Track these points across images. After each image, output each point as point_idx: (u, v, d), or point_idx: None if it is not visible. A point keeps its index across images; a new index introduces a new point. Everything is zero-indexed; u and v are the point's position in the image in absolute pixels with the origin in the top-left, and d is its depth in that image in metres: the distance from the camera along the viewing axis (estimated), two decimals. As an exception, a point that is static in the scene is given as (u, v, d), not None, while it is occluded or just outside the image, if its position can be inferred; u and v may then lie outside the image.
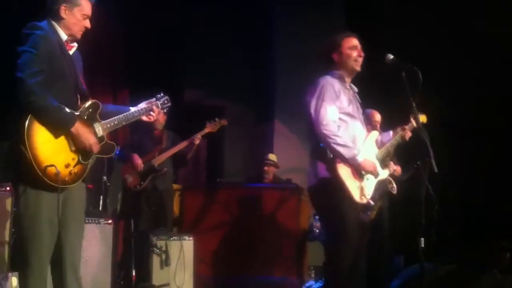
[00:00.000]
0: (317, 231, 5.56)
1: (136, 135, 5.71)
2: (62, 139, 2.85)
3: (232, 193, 5.93)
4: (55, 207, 2.82)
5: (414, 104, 3.33)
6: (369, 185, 3.49)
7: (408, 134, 4.13)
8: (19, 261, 2.94)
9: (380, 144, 3.84)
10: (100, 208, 5.23)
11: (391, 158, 4.54)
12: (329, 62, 3.61)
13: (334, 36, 3.67)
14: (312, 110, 3.42)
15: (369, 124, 4.69)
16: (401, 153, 4.63)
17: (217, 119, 5.65)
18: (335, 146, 3.34)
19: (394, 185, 4.72)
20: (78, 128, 2.87)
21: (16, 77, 2.76)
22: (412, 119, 3.99)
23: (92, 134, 2.96)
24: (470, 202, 6.50)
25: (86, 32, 3.07)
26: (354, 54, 3.56)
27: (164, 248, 4.82)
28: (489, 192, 6.38)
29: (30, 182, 2.81)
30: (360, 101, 3.69)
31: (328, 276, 3.59)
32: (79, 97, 3.02)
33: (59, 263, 2.92)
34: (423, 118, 4.23)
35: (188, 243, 5.07)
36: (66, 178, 2.85)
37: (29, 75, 2.75)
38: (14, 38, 2.94)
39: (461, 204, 6.49)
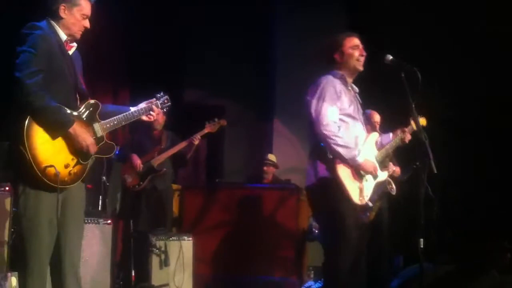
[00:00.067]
0: (317, 231, 5.55)
1: (136, 135, 5.71)
2: (61, 140, 2.85)
3: (232, 193, 5.94)
4: (55, 208, 2.82)
5: (414, 107, 3.32)
6: (368, 186, 3.50)
7: (408, 137, 4.13)
8: (19, 261, 2.94)
9: (379, 146, 3.85)
10: (100, 208, 5.23)
11: (390, 159, 4.54)
12: (331, 62, 3.60)
13: (335, 36, 3.67)
14: (313, 110, 3.42)
15: (369, 124, 4.69)
16: (400, 154, 4.63)
17: (216, 120, 5.65)
18: (335, 146, 3.34)
19: (394, 185, 4.72)
20: (76, 129, 2.87)
21: (15, 77, 2.76)
22: (412, 122, 3.99)
23: (90, 135, 2.95)
24: (470, 202, 6.50)
25: (86, 32, 3.07)
26: (356, 53, 3.56)
27: (163, 248, 4.83)
28: (489, 192, 6.37)
29: (29, 182, 2.81)
30: (360, 101, 3.69)
31: (327, 276, 3.58)
32: (78, 97, 3.02)
33: (59, 263, 2.92)
34: (423, 121, 4.23)
35: (187, 243, 5.08)
36: (66, 179, 2.85)
37: (28, 74, 2.75)
38: (14, 38, 2.94)
39: (461, 204, 6.49)
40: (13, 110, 2.79)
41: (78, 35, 3.04)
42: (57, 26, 2.99)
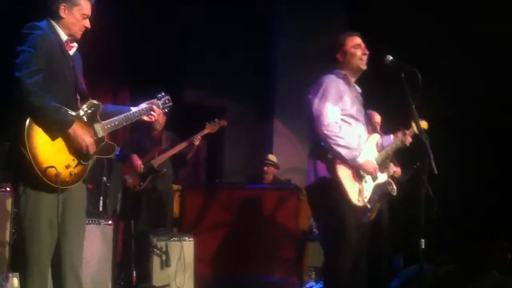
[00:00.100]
0: (317, 231, 5.56)
1: (136, 135, 5.71)
2: (62, 140, 2.84)
3: (232, 194, 5.93)
4: (55, 208, 2.82)
5: (415, 109, 3.32)
6: (367, 187, 3.49)
7: (409, 140, 4.11)
8: (20, 261, 2.93)
9: (380, 148, 3.82)
10: (100, 209, 5.23)
11: (391, 160, 4.54)
12: (333, 62, 3.59)
13: (336, 35, 3.66)
14: (314, 110, 3.41)
15: (369, 125, 4.68)
16: (401, 155, 4.62)
17: (216, 120, 5.64)
18: (336, 147, 3.34)
19: (394, 186, 4.71)
20: (75, 129, 2.86)
21: (14, 76, 2.76)
22: (413, 125, 3.97)
23: (89, 135, 2.95)
24: (470, 202, 6.50)
25: (86, 32, 3.06)
26: (359, 52, 3.55)
27: (164, 249, 4.82)
28: (489, 192, 6.37)
29: (30, 182, 2.81)
30: (363, 101, 3.68)
31: (328, 277, 3.57)
32: (79, 97, 3.01)
33: (59, 264, 2.92)
34: (424, 124, 4.22)
35: (188, 244, 5.07)
36: (67, 179, 2.85)
37: (27, 74, 2.75)
38: (14, 38, 2.94)
39: (461, 204, 6.49)
40: (13, 110, 2.79)
41: (78, 35, 3.04)
42: (58, 26, 2.99)
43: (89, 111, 3.01)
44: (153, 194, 5.45)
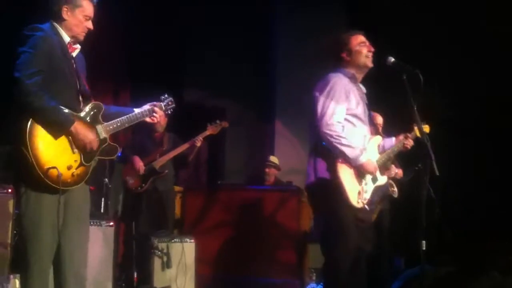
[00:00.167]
0: (314, 230, 5.56)
1: (137, 137, 5.70)
2: (63, 141, 2.85)
3: (233, 195, 5.94)
4: (57, 209, 2.82)
5: (416, 112, 3.31)
6: (367, 189, 3.49)
7: (410, 143, 4.08)
8: (20, 262, 2.94)
9: (381, 150, 3.82)
10: (102, 210, 5.23)
11: (392, 162, 4.53)
12: (338, 61, 3.58)
13: (339, 35, 3.66)
14: (319, 108, 3.40)
15: (371, 126, 4.67)
16: (402, 156, 4.62)
17: (218, 121, 5.63)
18: (339, 146, 3.33)
19: (395, 188, 4.71)
20: (77, 127, 2.87)
21: (14, 77, 2.76)
22: (415, 129, 3.96)
23: (91, 132, 2.95)
24: (470, 202, 6.50)
25: (88, 33, 3.07)
26: (365, 50, 3.54)
27: (165, 250, 4.83)
28: (489, 192, 6.37)
29: (31, 184, 2.81)
30: (367, 102, 3.67)
31: (328, 277, 3.56)
32: (81, 99, 3.01)
33: (60, 265, 2.92)
34: (426, 128, 4.21)
35: (189, 246, 5.07)
36: (68, 180, 2.85)
37: (27, 75, 2.75)
38: (14, 38, 2.94)
39: (461, 205, 6.48)
40: (14, 110, 2.79)
41: (81, 37, 3.04)
42: (60, 28, 2.99)
43: (91, 112, 3.01)
44: (154, 195, 5.44)
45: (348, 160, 3.36)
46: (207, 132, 5.59)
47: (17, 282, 3.35)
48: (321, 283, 5.08)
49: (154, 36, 7.12)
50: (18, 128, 2.75)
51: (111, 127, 3.06)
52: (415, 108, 3.32)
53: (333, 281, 3.45)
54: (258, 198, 5.84)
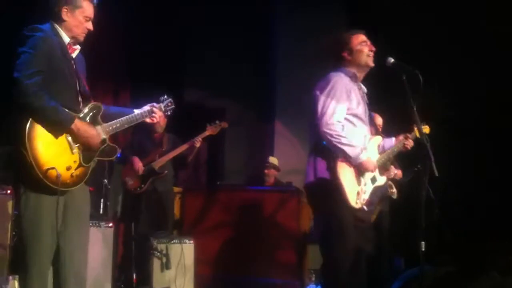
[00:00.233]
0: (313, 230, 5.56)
1: (136, 137, 5.70)
2: (63, 142, 2.85)
3: (233, 196, 5.93)
4: (56, 210, 2.81)
5: (416, 112, 3.31)
6: (366, 190, 3.48)
7: (410, 143, 4.08)
8: (20, 263, 2.93)
9: (381, 150, 3.82)
10: (101, 211, 5.23)
11: (392, 163, 4.52)
12: (339, 60, 3.57)
13: (341, 34, 3.65)
14: (320, 107, 3.40)
15: (372, 126, 4.67)
16: (402, 157, 4.62)
17: (217, 122, 5.63)
18: (339, 145, 3.33)
19: (395, 189, 4.71)
20: (77, 124, 2.87)
21: (14, 77, 2.76)
22: (415, 129, 3.96)
23: (92, 128, 2.95)
24: (470, 203, 6.50)
25: (88, 33, 3.07)
26: (366, 49, 3.54)
27: (164, 251, 4.83)
28: (489, 192, 6.36)
29: (31, 184, 2.81)
30: (368, 101, 3.66)
31: (327, 277, 3.55)
32: (81, 99, 3.01)
33: (59, 265, 2.92)
34: (426, 129, 4.21)
35: (188, 247, 5.07)
36: (68, 181, 2.85)
37: (27, 75, 2.75)
38: (14, 38, 2.94)
39: (461, 205, 6.48)
40: (13, 111, 2.79)
41: (81, 38, 3.04)
42: (60, 29, 2.99)
43: (90, 113, 3.02)
44: (153, 196, 5.44)
45: (348, 159, 3.36)
46: (207, 133, 5.59)
47: (16, 283, 3.34)
48: (320, 284, 5.09)
49: (154, 36, 7.12)
50: (17, 129, 2.75)
51: (110, 128, 3.06)
52: (415, 109, 3.31)
53: (332, 281, 3.45)
54: (258, 199, 5.84)
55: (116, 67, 6.92)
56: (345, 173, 3.37)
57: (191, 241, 5.12)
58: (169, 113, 3.41)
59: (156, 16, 7.15)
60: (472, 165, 6.53)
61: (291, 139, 7.42)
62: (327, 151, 3.39)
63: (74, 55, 3.04)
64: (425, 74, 3.14)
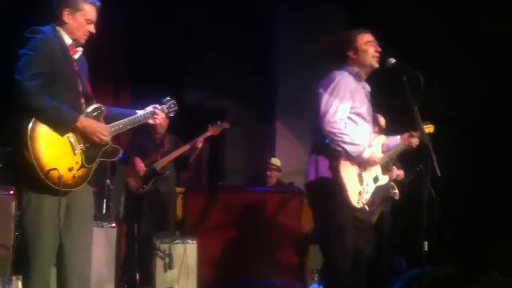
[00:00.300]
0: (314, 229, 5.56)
1: (138, 138, 5.70)
2: (65, 142, 2.85)
3: (234, 196, 5.94)
4: (58, 210, 2.82)
5: (417, 113, 3.31)
6: (368, 190, 3.48)
7: (416, 142, 4.06)
8: (22, 263, 2.94)
9: (386, 149, 3.80)
10: (103, 212, 5.24)
11: (394, 163, 4.53)
12: (343, 59, 3.56)
13: (346, 32, 3.64)
14: (323, 105, 3.38)
15: (375, 126, 4.67)
16: (403, 157, 4.62)
17: (219, 122, 5.64)
18: (342, 144, 3.33)
19: (397, 190, 4.71)
20: (82, 121, 2.88)
21: (15, 79, 2.76)
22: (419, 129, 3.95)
23: (98, 122, 2.95)
24: (470, 202, 6.50)
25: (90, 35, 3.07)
26: (371, 49, 3.52)
27: (167, 252, 4.83)
28: (489, 192, 6.37)
29: (33, 185, 2.81)
30: (371, 101, 3.66)
31: (328, 277, 3.57)
32: (83, 101, 3.02)
33: (63, 266, 2.93)
34: (430, 128, 4.20)
35: (191, 247, 5.07)
36: (70, 182, 2.85)
37: (27, 77, 2.75)
38: (13, 39, 2.94)
39: (461, 205, 6.49)
40: (14, 112, 2.79)
41: (82, 40, 3.04)
42: (62, 31, 2.99)
43: (93, 114, 3.01)
44: (155, 196, 5.45)
45: (351, 158, 3.36)
46: (208, 133, 5.60)
47: (20, 283, 3.35)
48: (323, 284, 5.09)
49: (154, 36, 7.12)
50: (19, 129, 2.75)
51: (113, 129, 3.06)
52: (416, 109, 3.31)
53: (333, 281, 3.45)
54: (259, 199, 5.84)
55: (116, 67, 6.92)
56: (347, 173, 3.37)
57: (194, 242, 5.12)
58: (172, 114, 3.42)
59: (156, 16, 7.15)
60: (472, 165, 6.53)
61: (291, 140, 7.42)
62: (329, 150, 3.38)
63: (76, 56, 3.04)
64: (425, 74, 3.15)
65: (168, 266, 4.79)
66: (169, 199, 5.58)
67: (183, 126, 6.27)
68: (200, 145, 5.51)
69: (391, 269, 5.30)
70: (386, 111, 5.10)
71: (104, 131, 2.95)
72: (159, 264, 4.80)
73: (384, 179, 3.64)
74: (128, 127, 3.14)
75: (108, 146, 3.02)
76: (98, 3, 3.05)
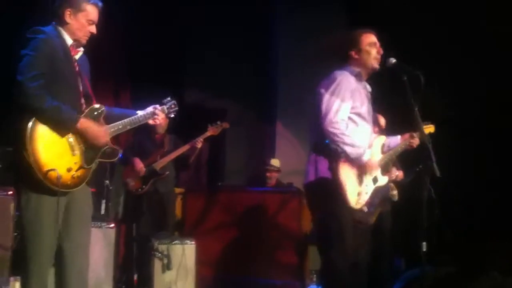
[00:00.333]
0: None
1: (138, 138, 5.69)
2: (64, 143, 2.85)
3: (234, 197, 5.94)
4: (57, 211, 2.82)
5: (417, 113, 3.30)
6: (367, 191, 3.48)
7: (416, 142, 4.05)
8: (20, 264, 2.94)
9: (386, 149, 3.78)
10: (102, 212, 5.24)
11: (393, 164, 4.52)
12: (345, 58, 3.55)
13: (351, 31, 3.62)
14: (324, 105, 3.37)
15: (375, 126, 4.66)
16: (403, 157, 4.62)
17: (219, 122, 5.64)
18: (342, 145, 3.32)
19: (396, 191, 4.70)
20: (82, 123, 2.88)
21: (17, 80, 2.77)
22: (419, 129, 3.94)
23: (99, 125, 2.95)
24: (470, 202, 6.50)
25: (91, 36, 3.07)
26: (374, 51, 3.51)
27: (165, 252, 4.83)
28: (489, 192, 6.37)
29: (31, 186, 2.81)
30: (372, 101, 3.65)
31: (327, 278, 3.56)
32: (83, 101, 3.02)
33: (61, 266, 2.93)
34: (431, 128, 4.19)
35: (190, 247, 5.06)
36: (68, 182, 2.85)
37: (29, 78, 2.76)
38: (14, 39, 2.94)
39: (461, 205, 6.48)
40: (14, 112, 2.79)
41: (83, 40, 3.04)
42: (63, 31, 2.99)
43: (93, 114, 3.01)
44: (155, 197, 5.44)
45: (350, 159, 3.35)
46: (208, 133, 5.60)
47: (18, 284, 3.35)
48: (321, 285, 5.09)
49: (154, 36, 7.12)
50: (18, 130, 2.75)
51: (112, 130, 3.07)
52: (416, 109, 3.30)
53: (331, 282, 3.45)
54: (259, 200, 5.84)
55: (116, 67, 6.92)
56: (347, 174, 3.37)
57: (193, 242, 5.11)
58: (172, 115, 3.41)
59: (156, 16, 7.15)
60: (472, 165, 6.52)
61: (291, 140, 7.42)
62: (329, 150, 3.37)
63: (77, 57, 3.05)
64: (425, 74, 3.14)
65: (166, 267, 4.78)
66: (168, 200, 5.57)
67: (183, 126, 6.27)
68: (199, 145, 5.51)
69: (391, 269, 5.29)
70: (386, 111, 5.09)
71: (103, 135, 2.94)
72: (157, 265, 4.79)
73: (383, 180, 3.63)
74: (128, 127, 3.14)
75: (107, 147, 3.02)
76: (100, 4, 3.06)
